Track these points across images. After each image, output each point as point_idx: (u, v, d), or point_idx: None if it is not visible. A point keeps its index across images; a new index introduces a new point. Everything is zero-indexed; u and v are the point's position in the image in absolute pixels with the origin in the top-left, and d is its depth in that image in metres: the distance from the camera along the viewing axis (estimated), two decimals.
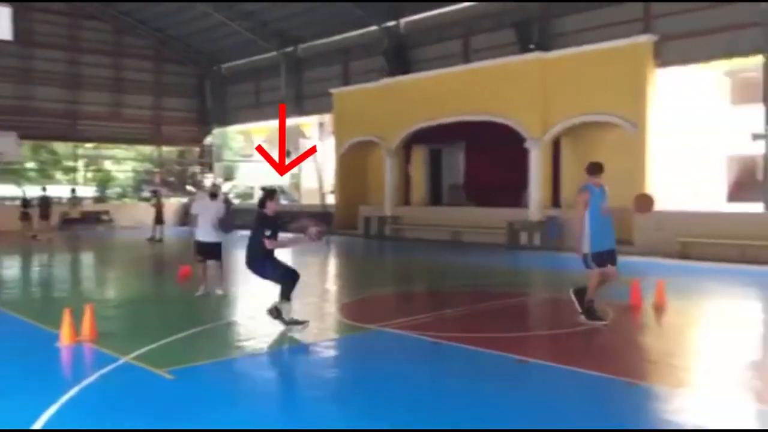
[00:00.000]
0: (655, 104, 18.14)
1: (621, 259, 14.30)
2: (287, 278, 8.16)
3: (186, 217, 29.10)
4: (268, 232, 8.04)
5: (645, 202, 9.94)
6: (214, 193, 11.47)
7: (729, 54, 17.84)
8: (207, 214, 10.86)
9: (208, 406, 5.49)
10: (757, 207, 17.72)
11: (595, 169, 8.64)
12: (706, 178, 20.89)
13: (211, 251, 10.93)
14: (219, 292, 10.92)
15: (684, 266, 15.21)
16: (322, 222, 19.75)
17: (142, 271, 15.68)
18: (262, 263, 8.15)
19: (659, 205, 17.80)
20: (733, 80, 24.39)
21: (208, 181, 36.47)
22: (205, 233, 10.86)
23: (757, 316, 10.09)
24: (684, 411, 5.39)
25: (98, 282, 14.28)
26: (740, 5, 16.95)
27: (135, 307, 10.59)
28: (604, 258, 8.48)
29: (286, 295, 8.11)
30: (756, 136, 16.89)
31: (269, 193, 8.36)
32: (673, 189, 18.61)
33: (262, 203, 8.33)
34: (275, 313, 8.10)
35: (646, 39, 18.20)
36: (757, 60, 17.06)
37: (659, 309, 9.77)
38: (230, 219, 12.81)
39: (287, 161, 31.39)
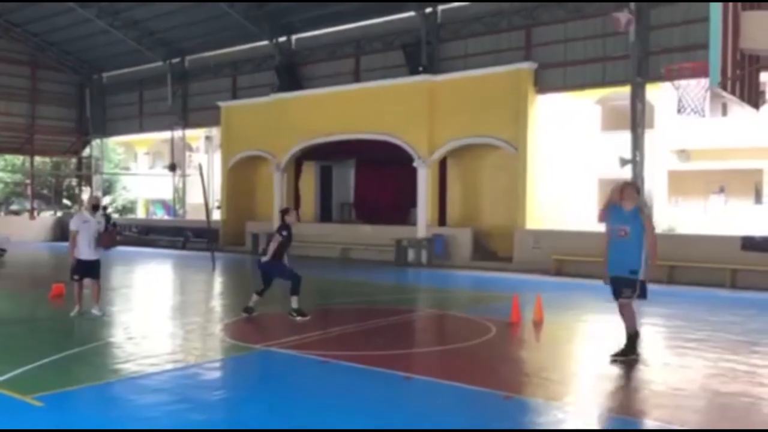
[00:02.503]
0: (534, 128, 19.09)
1: (501, 275, 14.71)
2: (297, 277, 10.16)
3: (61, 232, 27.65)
4: (284, 233, 10.25)
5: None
6: (95, 205, 10.74)
7: (602, 83, 19.11)
8: (87, 229, 10.19)
9: None
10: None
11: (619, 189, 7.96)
12: (579, 199, 22.12)
13: (92, 269, 10.35)
14: (96, 312, 10.35)
15: (560, 282, 15.99)
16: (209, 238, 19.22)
17: (7, 290, 14.63)
18: (275, 264, 10.15)
19: (537, 224, 18.75)
20: (604, 108, 26.07)
21: (85, 194, 34.74)
22: (86, 251, 10.20)
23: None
24: (557, 422, 5.66)
25: None
26: (612, 39, 18.20)
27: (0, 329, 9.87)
28: (613, 285, 7.80)
29: (295, 291, 10.07)
30: (624, 161, 18.09)
31: (285, 211, 10.89)
32: (549, 209, 19.58)
33: (282, 218, 10.59)
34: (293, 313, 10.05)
35: (526, 66, 19.15)
36: (626, 89, 18.33)
37: (537, 324, 10.21)
38: (112, 234, 12.23)
39: (171, 174, 30.50)
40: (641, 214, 7.76)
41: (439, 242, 19.95)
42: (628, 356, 7.63)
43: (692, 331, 9.90)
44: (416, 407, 6.06)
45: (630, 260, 7.54)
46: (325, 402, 6.14)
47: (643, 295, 7.67)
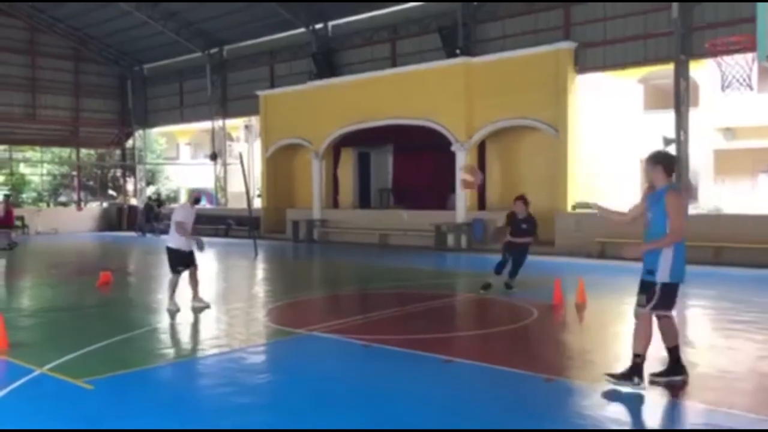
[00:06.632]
0: (575, 109, 18.78)
1: (543, 259, 14.57)
2: None
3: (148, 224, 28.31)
4: None
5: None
6: (197, 198, 10.44)
7: (644, 61, 18.67)
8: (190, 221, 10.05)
9: (130, 416, 5.34)
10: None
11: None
12: (622, 181, 21.76)
13: (191, 259, 10.17)
14: (198, 303, 10.11)
15: (603, 265, 15.76)
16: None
17: (58, 278, 15.06)
18: None
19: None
20: (646, 87, 25.51)
21: (130, 185, 35.49)
22: (186, 242, 10.01)
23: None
24: (600, 405, 5.60)
25: (9, 290, 13.59)
26: (654, 15, 17.76)
27: (51, 316, 10.18)
28: (675, 294, 5.95)
29: None
30: (667, 141, 17.69)
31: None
32: (590, 191, 19.28)
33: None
34: None
35: (566, 46, 18.82)
36: (669, 67, 17.88)
37: (580, 307, 10.11)
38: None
39: (213, 164, 30.92)
40: (666, 195, 5.83)
41: (479, 226, 19.83)
42: (669, 377, 6.03)
43: (739, 313, 9.68)
44: (456, 390, 6.06)
45: (648, 257, 5.90)
46: (367, 385, 6.19)
47: (661, 304, 5.83)
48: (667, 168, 5.98)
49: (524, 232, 11.07)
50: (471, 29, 21.13)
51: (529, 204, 11.27)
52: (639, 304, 5.94)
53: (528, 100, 19.02)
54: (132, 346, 7.91)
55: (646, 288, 5.88)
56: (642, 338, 5.90)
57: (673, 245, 5.79)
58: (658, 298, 5.81)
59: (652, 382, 5.97)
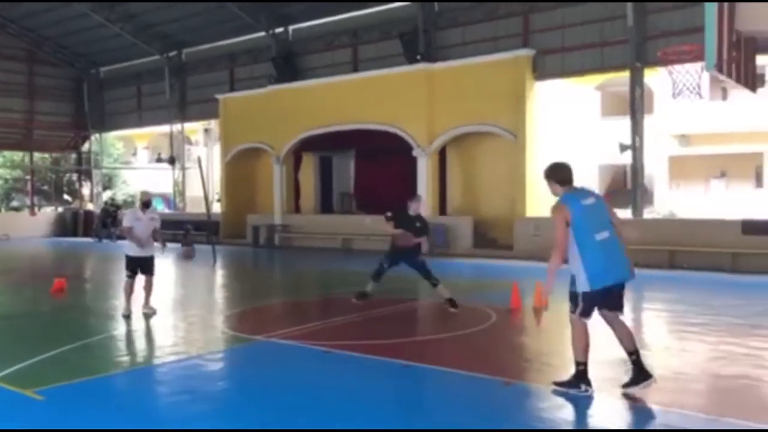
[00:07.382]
0: (533, 115, 19.03)
1: (502, 263, 14.60)
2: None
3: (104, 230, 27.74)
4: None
5: None
6: (146, 202, 10.09)
7: (600, 68, 19.04)
8: (138, 227, 9.75)
9: (82, 426, 5.20)
10: (626, 213, 18.93)
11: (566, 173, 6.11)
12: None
13: (145, 266, 9.90)
14: (146, 310, 9.89)
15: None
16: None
17: (8, 284, 14.64)
18: None
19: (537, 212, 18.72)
20: (603, 94, 26.01)
21: (86, 189, 34.77)
22: (138, 248, 9.78)
23: (628, 315, 10.76)
24: (557, 408, 5.66)
25: None
26: (610, 23, 18.12)
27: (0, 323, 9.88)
28: (600, 300, 5.88)
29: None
30: (623, 147, 18.05)
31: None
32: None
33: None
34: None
35: (525, 53, 19.08)
36: (625, 74, 18.26)
37: (537, 310, 10.21)
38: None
39: (171, 168, 30.49)
40: (551, 209, 5.97)
41: (440, 231, 19.91)
42: (636, 385, 5.84)
43: (693, 316, 9.90)
44: (416, 394, 6.08)
45: (571, 266, 5.98)
46: (326, 391, 6.14)
47: (586, 311, 5.89)
48: (559, 179, 6.05)
49: (418, 230, 10.08)
50: (432, 35, 21.27)
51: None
52: (570, 311, 6.00)
53: (488, 106, 19.22)
54: (86, 354, 7.73)
55: (572, 296, 5.95)
56: (579, 345, 5.94)
57: (580, 254, 5.73)
58: (583, 306, 5.87)
59: (624, 395, 5.83)
